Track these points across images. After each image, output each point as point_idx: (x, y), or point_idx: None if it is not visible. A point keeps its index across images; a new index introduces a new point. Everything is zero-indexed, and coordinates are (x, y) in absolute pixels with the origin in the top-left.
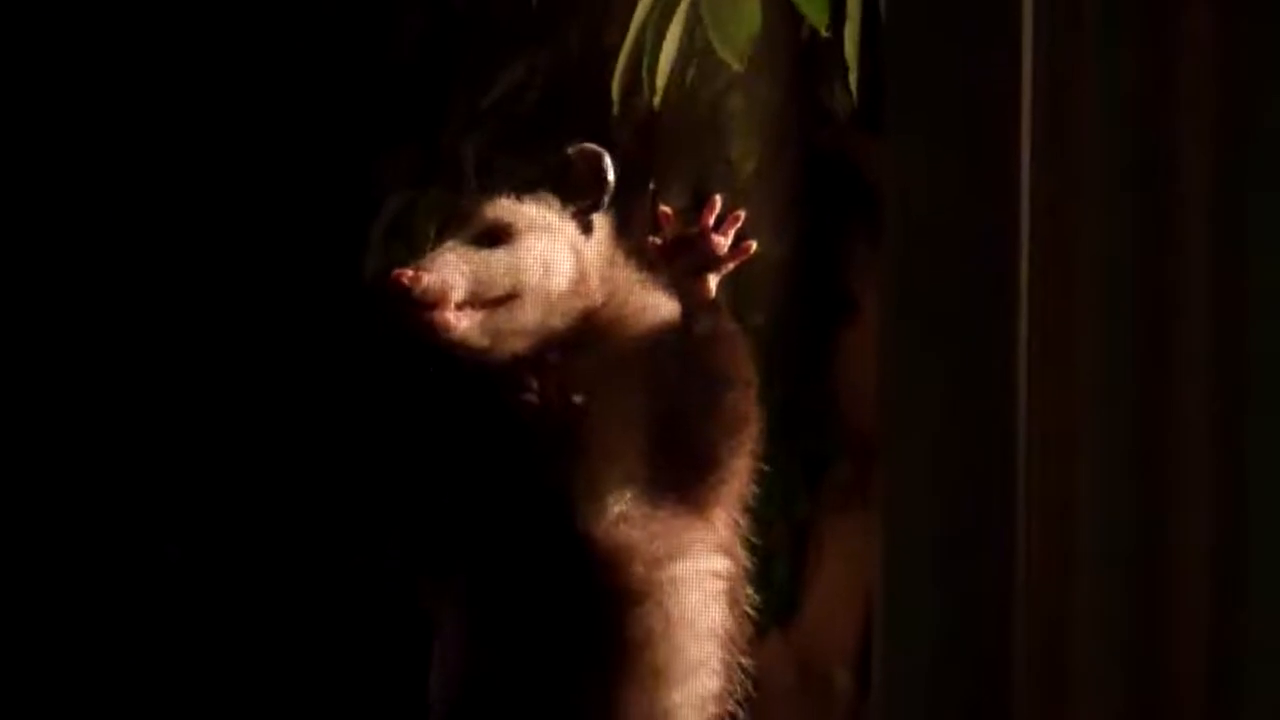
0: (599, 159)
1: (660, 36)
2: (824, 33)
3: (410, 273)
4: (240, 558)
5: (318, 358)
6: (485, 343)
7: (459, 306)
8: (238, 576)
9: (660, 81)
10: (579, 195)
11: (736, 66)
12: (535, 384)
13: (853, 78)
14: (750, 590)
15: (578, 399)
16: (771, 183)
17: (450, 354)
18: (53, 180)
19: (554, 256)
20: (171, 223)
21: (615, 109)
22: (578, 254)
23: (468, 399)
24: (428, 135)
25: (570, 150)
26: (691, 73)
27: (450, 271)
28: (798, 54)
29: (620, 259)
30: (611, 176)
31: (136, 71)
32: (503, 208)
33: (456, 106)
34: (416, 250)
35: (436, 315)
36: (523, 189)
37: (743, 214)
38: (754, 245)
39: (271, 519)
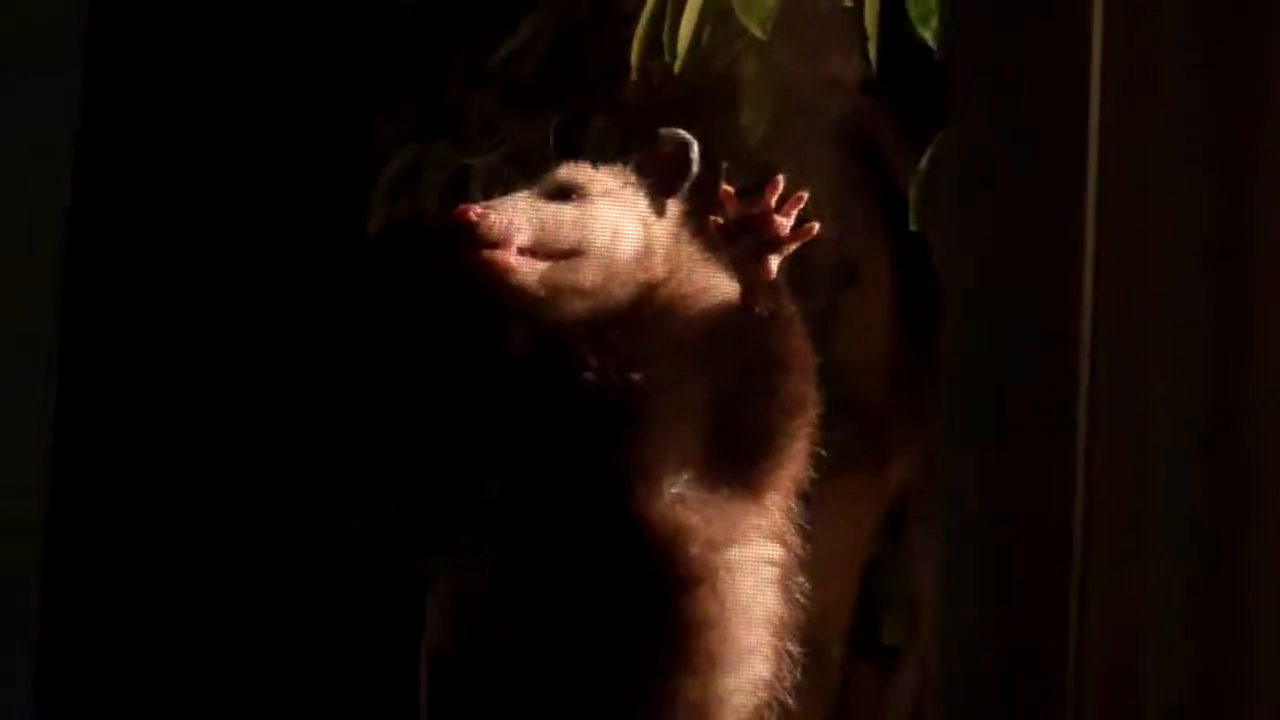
0: (686, 147)
1: (682, 1)
2: (847, 2)
3: (478, 209)
4: (241, 513)
5: (322, 312)
6: (542, 294)
7: (521, 252)
8: (238, 530)
9: (682, 47)
10: (658, 175)
11: (759, 34)
12: (594, 361)
13: (872, 47)
14: (802, 578)
15: (636, 377)
16: (781, 149)
17: (506, 302)
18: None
19: (623, 224)
20: (171, 175)
21: (634, 74)
22: (646, 227)
23: (526, 373)
24: (427, 89)
25: (661, 131)
26: (706, 36)
27: (517, 215)
28: (814, 21)
29: (686, 238)
30: (696, 167)
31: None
32: (577, 170)
33: (459, 61)
34: (423, 205)
35: (498, 255)
36: (531, 149)
37: (805, 195)
38: (816, 227)
39: (278, 482)
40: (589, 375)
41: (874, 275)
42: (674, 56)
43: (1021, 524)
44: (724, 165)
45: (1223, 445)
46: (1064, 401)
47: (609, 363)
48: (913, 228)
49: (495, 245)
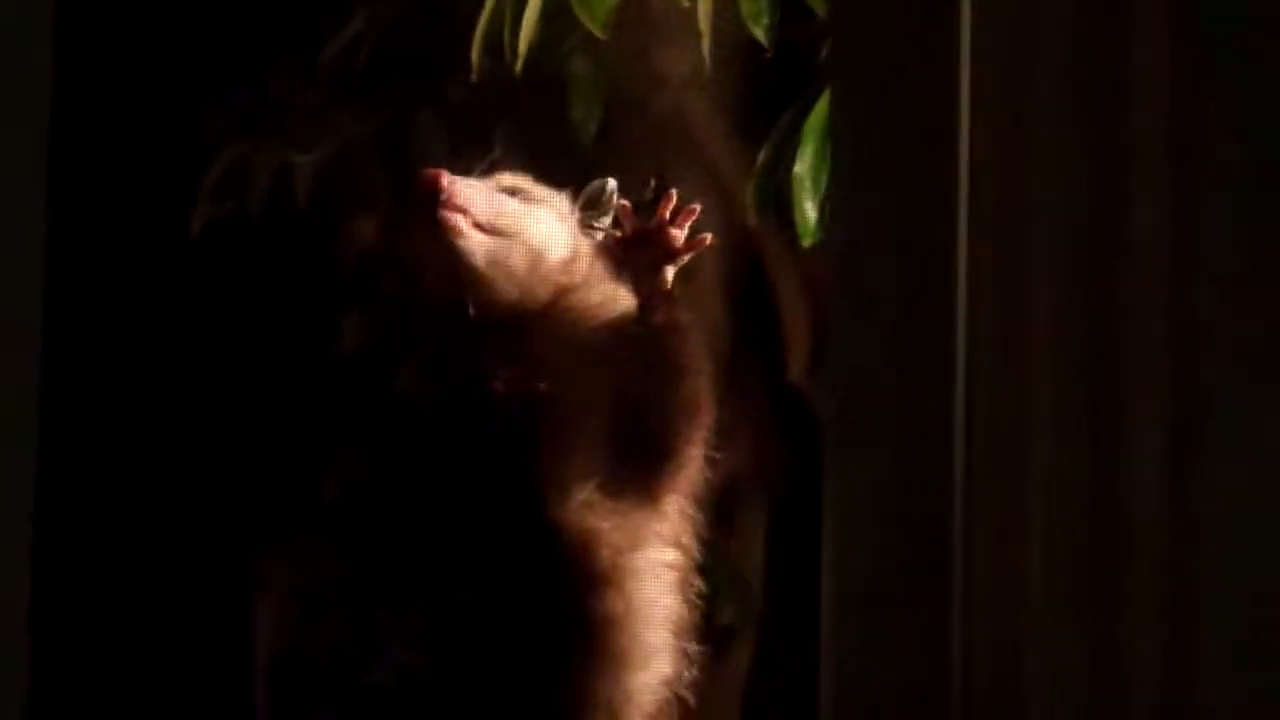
0: (605, 185)
1: (523, 2)
2: (684, 2)
3: (448, 176)
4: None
5: (154, 312)
6: (481, 266)
7: (475, 226)
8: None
9: (523, 47)
10: (584, 208)
11: (598, 34)
12: (503, 372)
13: (705, 44)
14: (698, 580)
15: (543, 387)
16: (613, 145)
17: (453, 265)
18: None
19: (556, 229)
20: None
21: (475, 74)
22: (575, 238)
23: (436, 388)
24: (255, 85)
25: (591, 184)
26: (540, 34)
27: (475, 193)
28: (648, 19)
29: (600, 255)
30: (615, 199)
31: None
32: (520, 178)
33: (288, 56)
34: (249, 204)
35: (456, 218)
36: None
37: (698, 207)
38: (709, 238)
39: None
40: (497, 385)
41: (706, 271)
42: (515, 57)
43: (903, 531)
44: (613, 183)
45: (1105, 452)
46: (941, 407)
47: (517, 373)
48: (751, 224)
49: (457, 210)
